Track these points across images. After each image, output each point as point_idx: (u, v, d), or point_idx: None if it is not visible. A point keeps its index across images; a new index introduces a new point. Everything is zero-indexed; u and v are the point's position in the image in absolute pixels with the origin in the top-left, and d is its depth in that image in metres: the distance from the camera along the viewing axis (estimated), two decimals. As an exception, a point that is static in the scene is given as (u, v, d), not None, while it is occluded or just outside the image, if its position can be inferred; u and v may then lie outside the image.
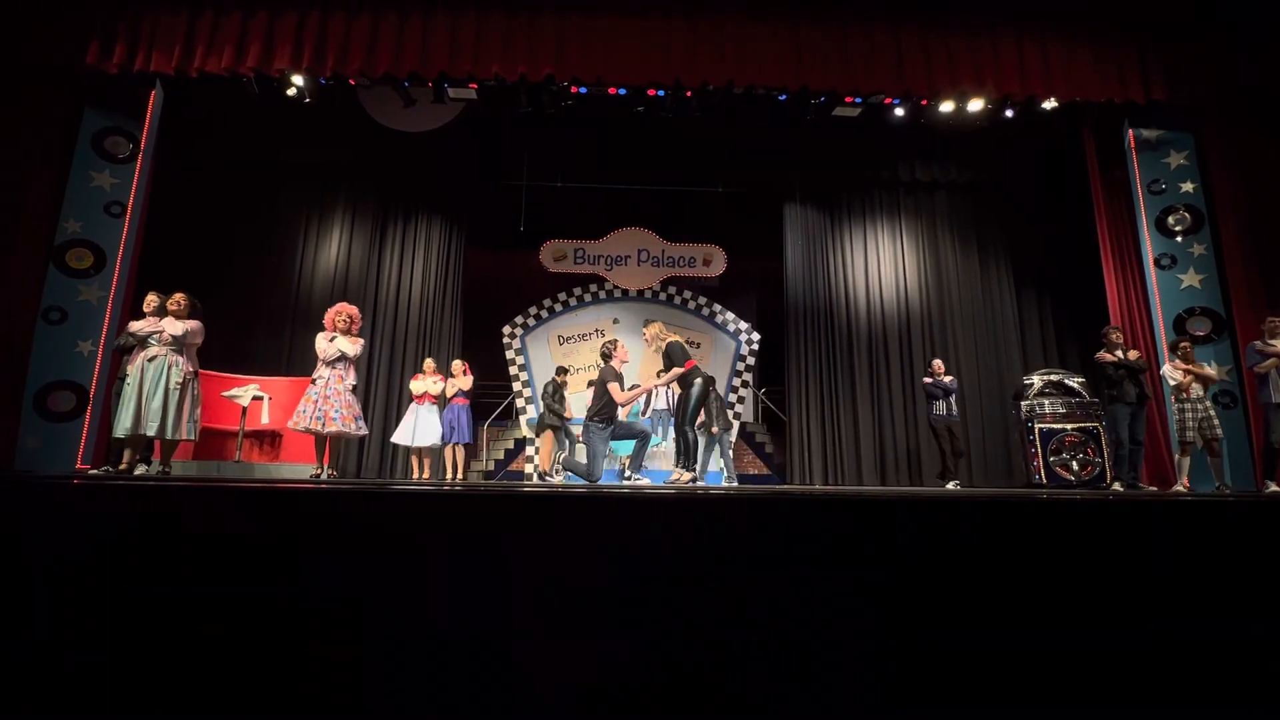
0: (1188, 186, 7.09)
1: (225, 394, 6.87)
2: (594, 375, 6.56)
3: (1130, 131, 7.32)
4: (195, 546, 1.84)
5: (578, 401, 7.80)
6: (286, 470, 7.04)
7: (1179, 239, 7.05)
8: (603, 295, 9.43)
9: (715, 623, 1.77)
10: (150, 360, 4.95)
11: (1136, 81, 6.92)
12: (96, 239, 6.37)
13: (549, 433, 7.35)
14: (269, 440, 7.29)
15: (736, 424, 8.97)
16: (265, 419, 7.01)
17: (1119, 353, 6.28)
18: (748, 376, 9.32)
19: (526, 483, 7.77)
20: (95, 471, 5.54)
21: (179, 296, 5.10)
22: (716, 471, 7.91)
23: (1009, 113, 7.80)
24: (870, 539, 1.92)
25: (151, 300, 5.21)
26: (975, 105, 7.41)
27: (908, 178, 9.19)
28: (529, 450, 8.71)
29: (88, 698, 1.67)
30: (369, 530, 1.89)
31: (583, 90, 7.69)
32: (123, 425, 4.82)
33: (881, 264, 9.10)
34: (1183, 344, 6.21)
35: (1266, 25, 6.71)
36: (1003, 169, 9.06)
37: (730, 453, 8.60)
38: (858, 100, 7.41)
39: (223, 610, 1.76)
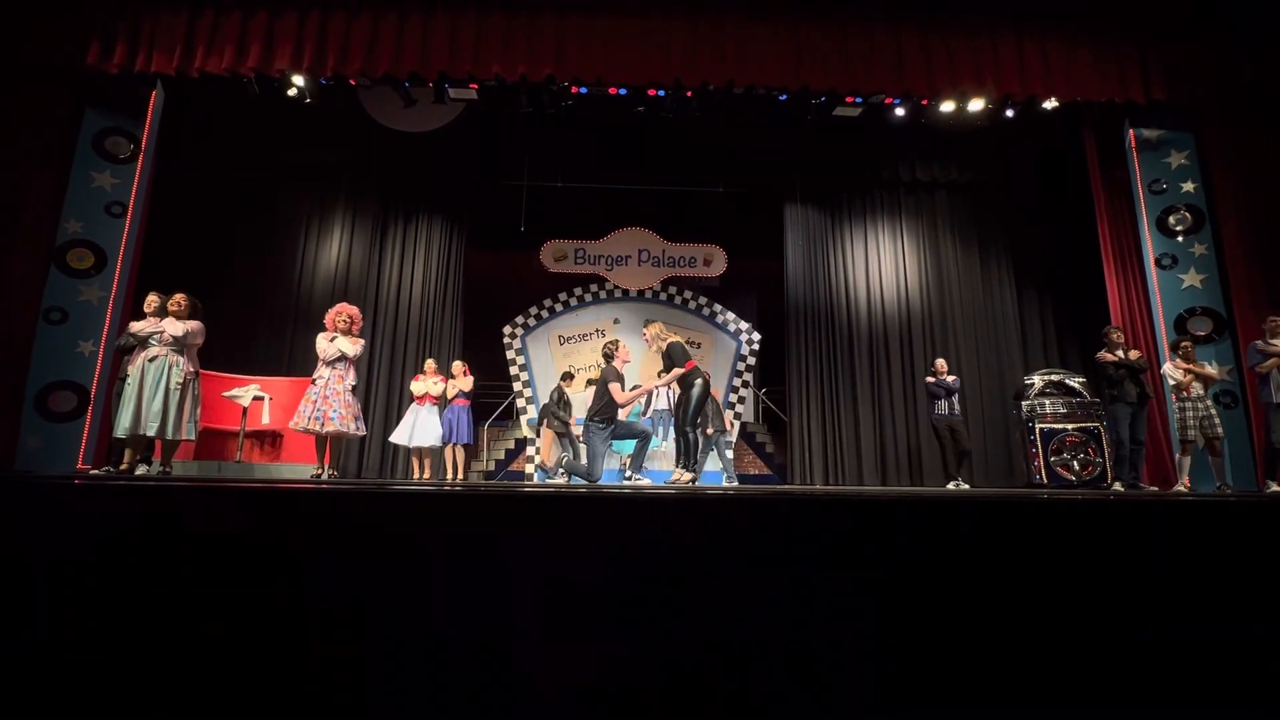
0: (1188, 186, 7.09)
1: (226, 394, 6.87)
2: (595, 375, 6.57)
3: (1131, 131, 7.31)
4: (195, 546, 1.84)
5: (578, 401, 7.81)
6: (287, 470, 7.05)
7: (1180, 239, 7.05)
8: (603, 295, 9.43)
9: (715, 623, 1.77)
10: (151, 360, 4.95)
11: (1137, 81, 6.91)
12: (97, 239, 6.38)
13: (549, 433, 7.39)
14: (270, 440, 7.30)
15: (737, 424, 8.97)
16: (266, 419, 7.02)
17: (1120, 352, 6.28)
18: (748, 376, 9.32)
19: (527, 483, 7.78)
20: (96, 472, 5.55)
21: (179, 297, 5.11)
22: (716, 472, 7.91)
23: (1009, 113, 7.80)
24: (870, 539, 1.92)
25: (152, 300, 5.22)
26: (976, 105, 7.41)
27: (908, 178, 9.19)
28: (529, 450, 8.71)
29: (88, 698, 1.68)
30: (369, 530, 1.89)
31: (583, 90, 7.69)
32: (123, 425, 4.83)
33: (882, 264, 9.10)
34: (1183, 343, 6.20)
35: (1266, 25, 6.71)
36: (1003, 169, 9.06)
37: (730, 453, 8.61)
38: (858, 100, 7.40)
39: (223, 610, 1.76)
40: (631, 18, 6.72)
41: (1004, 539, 1.94)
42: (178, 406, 4.96)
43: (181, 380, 4.98)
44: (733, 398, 9.13)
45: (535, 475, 8.49)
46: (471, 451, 7.85)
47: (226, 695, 1.69)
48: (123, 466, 5.03)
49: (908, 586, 1.84)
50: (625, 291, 9.41)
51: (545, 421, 7.70)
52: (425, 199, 8.97)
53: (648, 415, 7.99)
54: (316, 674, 1.72)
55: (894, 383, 8.69)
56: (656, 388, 7.20)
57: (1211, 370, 6.20)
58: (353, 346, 5.59)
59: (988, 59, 6.89)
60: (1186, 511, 2.08)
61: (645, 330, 5.84)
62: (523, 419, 9.00)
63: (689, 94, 7.47)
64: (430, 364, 7.43)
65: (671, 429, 7.14)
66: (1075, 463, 6.95)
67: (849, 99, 7.35)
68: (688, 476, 5.33)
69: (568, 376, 7.73)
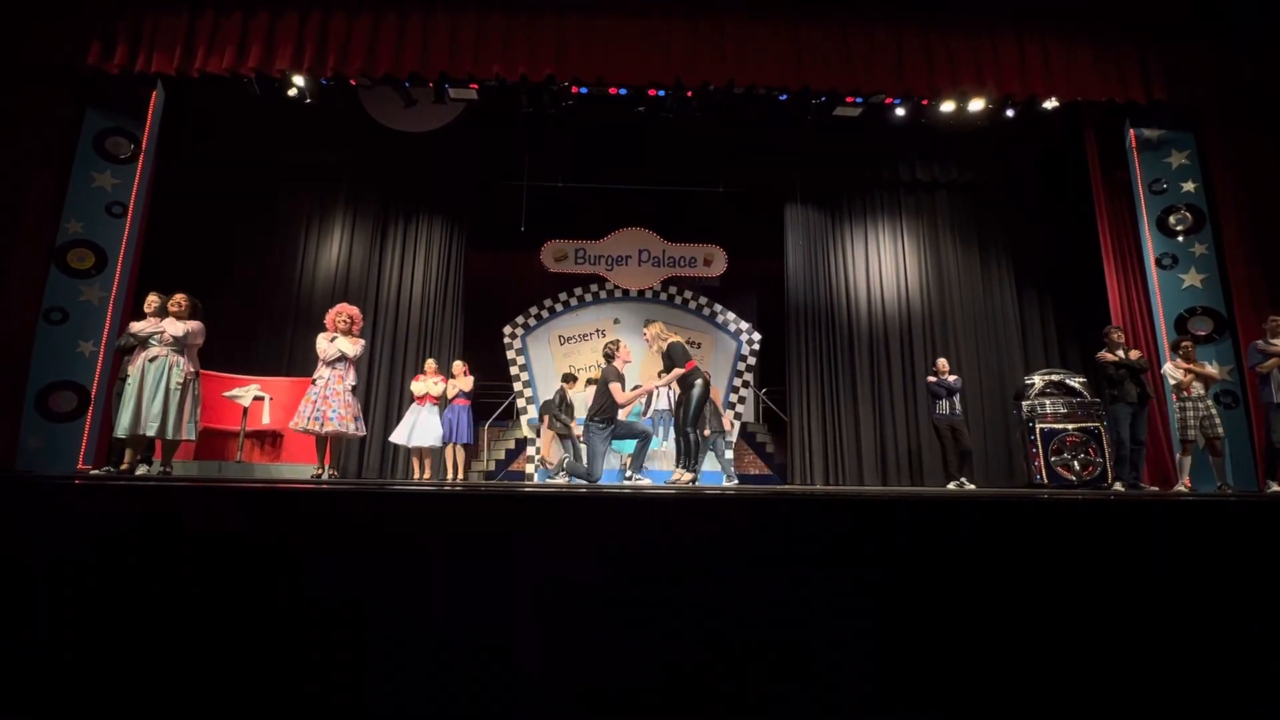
0: (1189, 186, 7.08)
1: (226, 394, 6.88)
2: (596, 375, 6.57)
3: (1131, 131, 7.31)
4: (196, 547, 1.84)
5: (580, 402, 7.81)
6: (287, 470, 7.05)
7: (1180, 238, 7.04)
8: (603, 295, 9.43)
9: (715, 623, 1.77)
10: (151, 361, 4.95)
11: (1137, 81, 6.91)
12: (98, 239, 6.38)
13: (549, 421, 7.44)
14: (270, 440, 7.30)
15: (737, 424, 8.97)
16: (266, 419, 7.02)
17: (1120, 352, 6.27)
18: (749, 376, 9.32)
19: (527, 483, 7.78)
20: (96, 472, 5.55)
21: (180, 297, 5.11)
22: (715, 473, 7.92)
23: (1010, 113, 7.80)
24: (870, 539, 1.92)
25: (152, 301, 5.22)
26: (976, 105, 7.41)
27: (908, 178, 9.19)
28: (529, 450, 8.71)
29: (88, 698, 1.68)
30: (369, 530, 1.89)
31: (583, 90, 7.69)
32: (123, 425, 4.83)
33: (882, 264, 9.10)
34: (1184, 343, 6.20)
35: (1266, 25, 6.70)
36: (1004, 169, 9.06)
37: (730, 454, 8.61)
38: (858, 100, 7.40)
39: (223, 610, 1.76)
40: (632, 18, 6.72)
41: (1004, 539, 1.94)
42: (178, 407, 4.96)
43: (182, 380, 4.98)
44: (733, 398, 9.13)
45: (536, 475, 8.49)
46: (472, 451, 7.86)
47: (226, 696, 1.69)
48: (123, 467, 5.03)
49: (908, 586, 1.84)
50: (625, 291, 9.41)
51: (547, 422, 7.70)
52: (425, 199, 8.97)
53: (648, 415, 7.99)
54: (316, 674, 1.72)
55: (894, 383, 8.69)
56: (657, 388, 7.20)
57: (1212, 370, 6.20)
58: (353, 347, 5.59)
59: (988, 59, 6.89)
60: (1187, 512, 2.08)
61: (645, 330, 5.84)
62: (523, 419, 9.00)
63: (689, 94, 7.47)
64: (430, 364, 7.43)
65: (672, 429, 7.14)
66: (1076, 463, 6.95)
67: (849, 99, 7.35)
68: (688, 477, 5.33)
69: (570, 379, 7.73)
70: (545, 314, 9.32)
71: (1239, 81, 6.90)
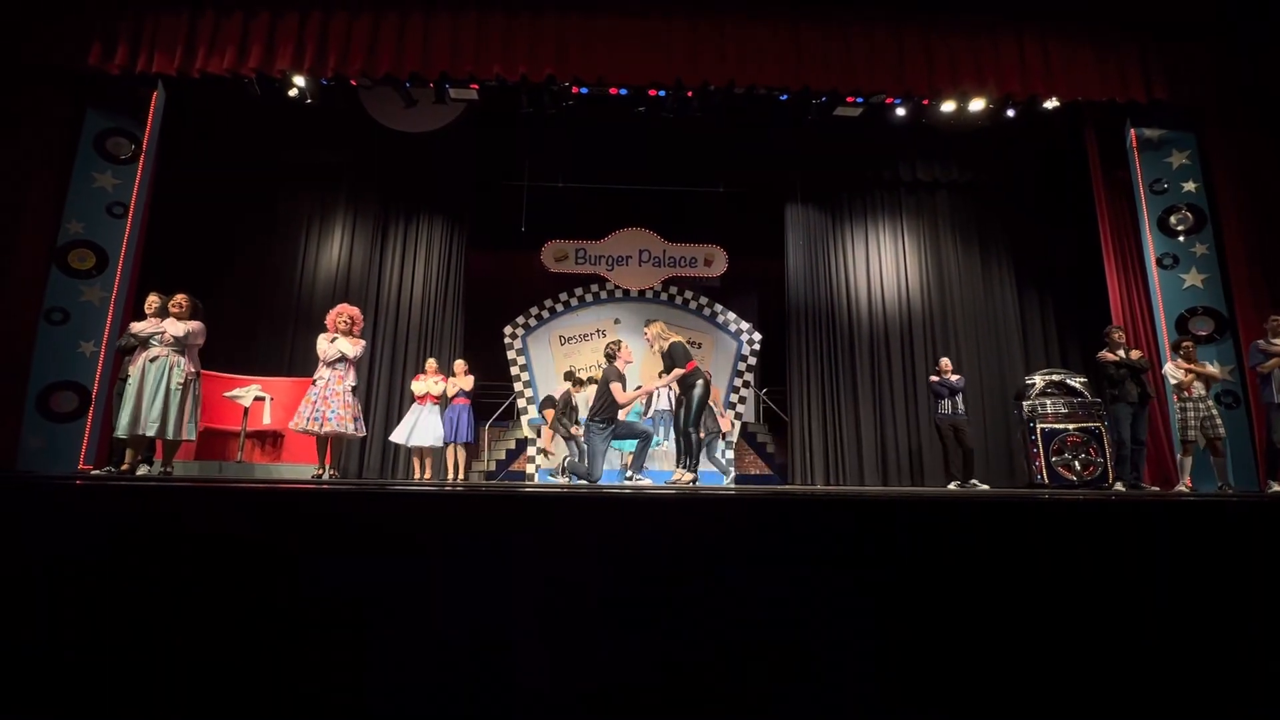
0: (1190, 186, 7.08)
1: (227, 394, 6.88)
2: (597, 375, 6.57)
3: (1132, 131, 7.30)
4: (196, 547, 1.84)
5: (585, 403, 7.81)
6: (288, 471, 7.05)
7: (1181, 238, 7.04)
8: (604, 295, 9.42)
9: (715, 623, 1.77)
10: (152, 361, 4.96)
11: (1138, 81, 6.90)
12: (98, 240, 6.39)
13: (552, 415, 7.46)
14: (271, 440, 7.30)
15: (738, 424, 8.97)
16: (267, 419, 7.02)
17: (1121, 352, 6.27)
18: (749, 377, 9.32)
19: (527, 483, 7.78)
20: (97, 472, 5.55)
21: (180, 297, 5.11)
22: (713, 473, 7.92)
23: (1010, 112, 7.79)
24: (871, 539, 1.92)
25: (153, 301, 5.23)
26: (977, 105, 7.40)
27: (909, 178, 9.18)
28: (530, 450, 8.72)
29: (88, 698, 1.68)
30: (369, 531, 1.90)
31: (584, 90, 7.69)
32: (122, 426, 4.84)
33: (883, 264, 9.09)
34: (1185, 343, 6.20)
35: (1266, 25, 6.70)
36: (1004, 169, 9.05)
37: (730, 453, 8.61)
38: (859, 100, 7.40)
39: (223, 610, 1.76)
40: (632, 18, 6.72)
41: (1005, 539, 1.94)
42: (179, 407, 4.96)
43: (183, 381, 4.99)
44: (734, 398, 9.13)
45: (537, 475, 8.49)
46: (472, 451, 7.86)
47: (227, 696, 1.69)
48: (124, 467, 5.03)
49: (908, 587, 1.84)
50: (626, 292, 9.41)
51: (550, 421, 7.72)
52: (426, 199, 8.97)
53: (649, 415, 7.99)
54: (317, 675, 1.72)
55: (895, 383, 8.69)
56: (657, 388, 7.19)
57: (1213, 370, 6.19)
58: (353, 347, 5.59)
59: (989, 59, 6.88)
60: (1188, 512, 2.08)
61: (646, 330, 5.82)
62: (523, 419, 8.99)
63: (690, 94, 7.47)
64: (431, 363, 7.43)
65: (672, 429, 7.14)
66: (1076, 463, 6.94)
67: (850, 99, 7.34)
68: (689, 477, 5.33)
69: (578, 382, 7.73)
70: (546, 314, 9.32)
71: (1239, 81, 6.89)
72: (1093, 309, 8.16)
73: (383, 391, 8.35)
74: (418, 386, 7.30)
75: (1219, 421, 5.91)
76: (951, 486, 6.90)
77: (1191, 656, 1.81)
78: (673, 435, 6.61)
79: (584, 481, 5.32)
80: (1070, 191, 8.65)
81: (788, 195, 9.22)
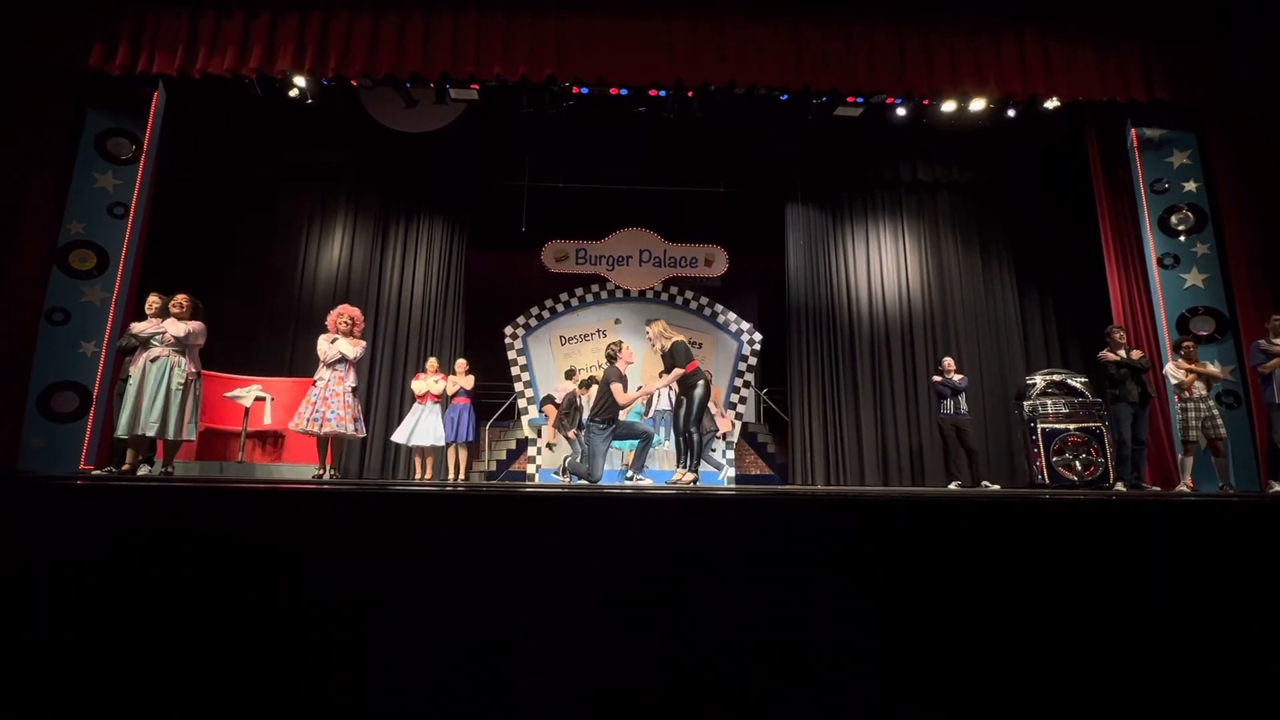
0: (1190, 186, 7.07)
1: (228, 395, 6.88)
2: (598, 375, 6.57)
3: (1133, 131, 7.30)
4: (196, 547, 1.84)
5: (586, 401, 7.82)
6: (288, 471, 7.05)
7: (1182, 238, 7.04)
8: (604, 296, 9.43)
9: (715, 623, 1.77)
10: (153, 361, 4.96)
11: (1139, 81, 6.90)
12: (99, 240, 6.39)
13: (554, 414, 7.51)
14: (271, 441, 7.31)
15: (738, 424, 8.97)
16: (268, 419, 7.02)
17: (1122, 352, 6.26)
18: (750, 377, 9.32)
19: (528, 483, 7.78)
20: (98, 472, 5.56)
21: (181, 298, 5.12)
22: (710, 472, 7.92)
23: (1011, 112, 7.79)
24: (871, 539, 1.92)
25: (153, 301, 5.23)
26: (977, 105, 7.39)
27: (910, 178, 9.18)
28: (531, 451, 8.72)
29: (88, 698, 1.68)
30: (370, 531, 1.90)
31: (584, 90, 7.69)
32: (122, 426, 4.84)
33: (884, 264, 9.09)
34: (1185, 343, 6.19)
35: (1266, 25, 6.69)
36: (1005, 169, 9.05)
37: (731, 454, 8.61)
38: (859, 100, 7.39)
39: (224, 610, 1.76)
40: (632, 18, 6.72)
41: (1005, 539, 1.94)
42: (179, 407, 4.97)
43: (183, 381, 4.99)
44: (734, 398, 9.12)
45: (538, 475, 8.50)
46: (473, 452, 7.86)
47: (227, 696, 1.70)
48: (125, 467, 5.04)
49: (908, 587, 1.84)
50: (626, 292, 9.41)
51: (553, 419, 7.74)
52: (426, 199, 8.97)
53: (649, 415, 7.99)
54: (317, 675, 1.72)
55: (895, 383, 8.68)
56: (658, 389, 7.19)
57: (1214, 369, 6.18)
58: (353, 348, 5.59)
59: (989, 59, 6.88)
60: (1189, 512, 2.07)
61: (648, 328, 5.78)
62: (524, 419, 9.00)
63: (690, 94, 7.47)
64: (432, 362, 7.44)
65: (672, 430, 7.14)
66: (1077, 463, 6.94)
67: (850, 99, 7.34)
68: (689, 477, 5.33)
69: (583, 384, 7.73)
70: (546, 314, 9.33)
71: (1240, 81, 6.89)
72: (1093, 309, 8.16)
73: (383, 392, 8.35)
74: (418, 386, 7.31)
75: (1220, 421, 5.91)
76: (952, 486, 6.90)
77: (1192, 656, 1.81)
78: (673, 435, 6.60)
79: (584, 481, 5.32)
80: (1071, 191, 8.65)
81: (788, 195, 9.22)
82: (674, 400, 5.69)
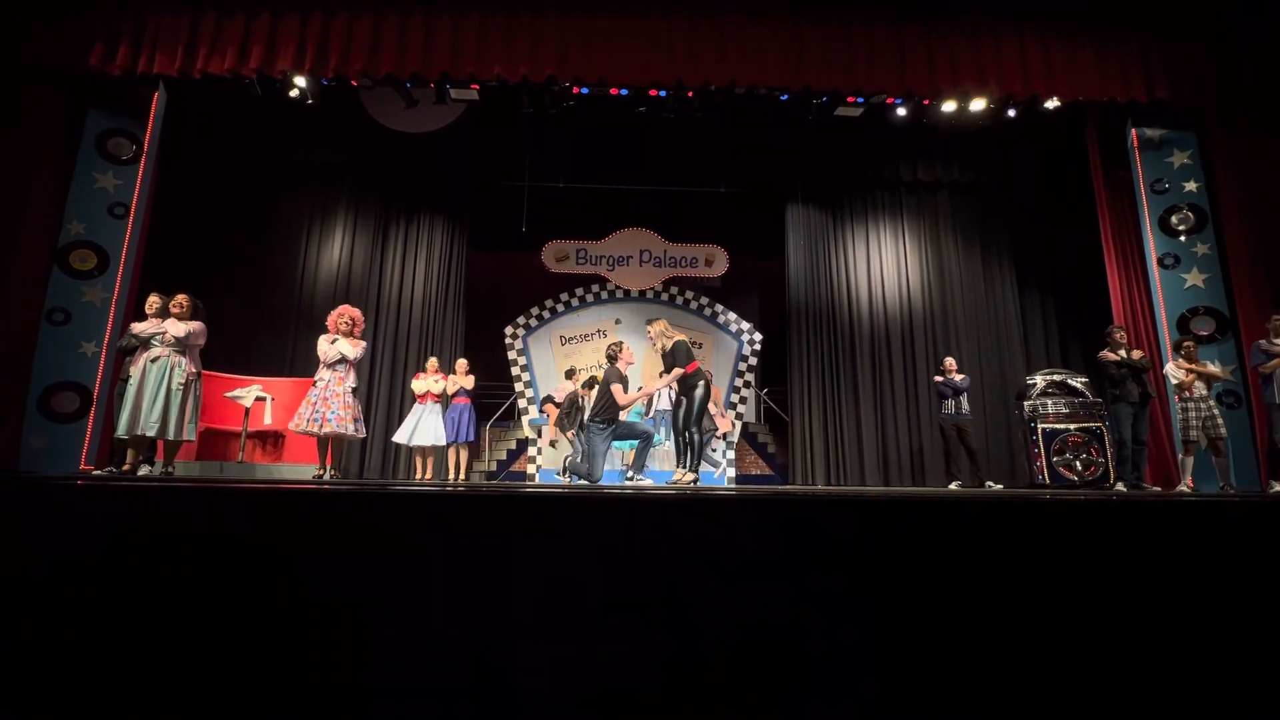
0: (1191, 186, 7.07)
1: (228, 395, 6.89)
2: (598, 375, 6.56)
3: (1133, 131, 7.29)
4: (197, 547, 1.84)
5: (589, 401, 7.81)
6: (289, 471, 7.05)
7: (1182, 238, 7.03)
8: (605, 296, 9.43)
9: (715, 623, 1.77)
10: (153, 361, 4.97)
11: (1139, 81, 6.90)
12: (100, 240, 6.39)
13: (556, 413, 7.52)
14: (272, 441, 7.31)
15: (739, 424, 8.97)
16: (268, 420, 7.03)
17: (1122, 352, 6.26)
18: (750, 377, 9.32)
19: (528, 483, 7.78)
20: (99, 472, 5.56)
21: (181, 298, 5.12)
22: (707, 472, 7.91)
23: (1011, 112, 7.78)
24: (871, 539, 1.92)
25: (153, 302, 5.24)
26: (978, 105, 7.39)
27: (910, 178, 9.18)
28: (531, 451, 8.72)
29: (88, 698, 1.68)
30: (370, 531, 1.90)
31: (584, 91, 7.69)
32: (122, 426, 4.85)
33: (884, 264, 9.09)
34: (1186, 343, 6.19)
35: (1266, 25, 6.69)
36: (1005, 169, 9.05)
37: (731, 454, 8.61)
38: (860, 100, 7.39)
39: (224, 610, 1.76)
40: (633, 18, 6.72)
41: (1006, 539, 1.94)
42: (179, 407, 4.97)
43: (184, 381, 5.00)
44: (734, 398, 9.12)
45: (538, 475, 8.49)
46: (473, 452, 7.87)
47: (227, 696, 1.70)
48: (125, 467, 5.04)
49: (908, 586, 1.84)
50: (627, 292, 9.41)
51: (555, 418, 7.74)
52: (427, 199, 8.98)
53: (650, 416, 7.99)
54: (317, 675, 1.72)
55: (896, 383, 8.68)
56: (658, 389, 7.19)
57: (1215, 369, 6.17)
58: (353, 349, 5.60)
59: (990, 59, 6.88)
60: (1189, 512, 2.07)
61: (650, 327, 5.76)
62: (524, 419, 9.00)
63: (690, 94, 7.47)
64: (432, 362, 7.44)
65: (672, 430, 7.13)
66: (1078, 463, 6.93)
67: (850, 99, 7.34)
68: (690, 477, 5.33)
69: (586, 384, 7.73)
70: (546, 314, 9.33)
71: (1240, 81, 6.89)
72: (1094, 309, 8.16)
73: (383, 392, 8.36)
74: (418, 385, 7.31)
75: (1220, 421, 5.90)
76: (953, 486, 6.90)
77: (1192, 657, 1.81)
78: (672, 435, 6.60)
79: (585, 481, 5.32)
80: (1071, 191, 8.64)
81: (788, 195, 9.22)
82: (673, 400, 5.69)
